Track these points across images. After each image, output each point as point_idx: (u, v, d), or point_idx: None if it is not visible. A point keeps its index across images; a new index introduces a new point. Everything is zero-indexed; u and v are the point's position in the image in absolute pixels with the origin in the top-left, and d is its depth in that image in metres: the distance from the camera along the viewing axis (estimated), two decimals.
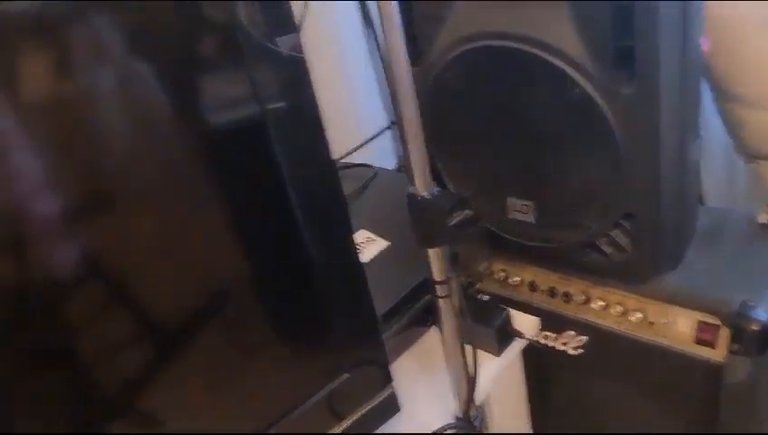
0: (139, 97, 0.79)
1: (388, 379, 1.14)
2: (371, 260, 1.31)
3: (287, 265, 0.99)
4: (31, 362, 0.78)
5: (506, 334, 1.29)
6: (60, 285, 0.77)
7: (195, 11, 0.83)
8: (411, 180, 0.99)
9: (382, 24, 0.89)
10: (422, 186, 0.98)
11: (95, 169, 0.78)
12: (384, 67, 0.93)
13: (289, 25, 0.88)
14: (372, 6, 0.91)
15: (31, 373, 0.78)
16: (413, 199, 0.99)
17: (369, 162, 1.64)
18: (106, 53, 0.76)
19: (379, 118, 1.69)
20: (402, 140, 0.97)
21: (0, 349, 0.75)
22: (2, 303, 0.73)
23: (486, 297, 1.36)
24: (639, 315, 1.26)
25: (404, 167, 1.66)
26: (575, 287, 1.33)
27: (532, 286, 1.39)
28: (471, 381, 1.12)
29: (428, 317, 1.32)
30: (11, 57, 0.70)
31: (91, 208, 0.77)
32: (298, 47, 0.89)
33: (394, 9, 0.88)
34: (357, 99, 1.73)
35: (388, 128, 1.60)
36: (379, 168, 1.62)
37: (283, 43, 0.88)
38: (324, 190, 0.98)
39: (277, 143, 0.91)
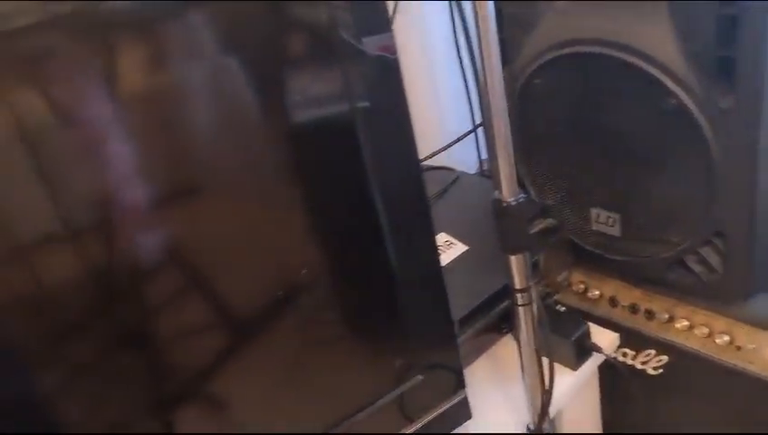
0: (229, 93, 0.81)
1: (461, 384, 1.13)
2: (449, 264, 1.30)
3: (367, 263, 0.99)
4: (112, 341, 0.80)
5: (584, 348, 1.26)
6: (143, 270, 0.79)
7: (289, 10, 0.84)
8: (497, 186, 0.97)
9: (477, 25, 0.88)
10: (508, 192, 0.96)
11: (183, 161, 0.80)
12: (474, 70, 0.92)
13: (383, 25, 0.88)
14: (466, 6, 0.90)
15: (111, 352, 0.80)
16: (498, 205, 0.97)
17: (449, 165, 1.63)
18: (200, 50, 0.78)
19: (462, 120, 1.68)
20: (490, 145, 0.96)
21: (85, 328, 0.78)
22: (89, 284, 0.76)
23: (563, 308, 1.33)
24: (726, 338, 1.21)
25: (487, 171, 1.65)
26: (658, 305, 1.28)
27: (613, 301, 1.35)
28: (546, 394, 1.10)
29: (503, 324, 1.31)
30: (112, 51, 0.73)
31: (176, 198, 0.79)
32: (392, 48, 0.89)
33: (490, 10, 0.87)
34: (441, 100, 1.72)
35: (473, 131, 1.59)
36: (461, 171, 1.60)
37: (376, 43, 0.88)
38: (409, 191, 0.97)
39: (366, 142, 0.91)
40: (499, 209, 0.97)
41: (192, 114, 0.78)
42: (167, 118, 0.76)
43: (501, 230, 0.99)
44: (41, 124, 0.68)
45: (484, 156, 1.66)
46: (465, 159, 1.70)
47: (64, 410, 0.80)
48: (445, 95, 1.71)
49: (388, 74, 0.90)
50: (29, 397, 0.77)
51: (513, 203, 0.97)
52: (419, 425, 1.10)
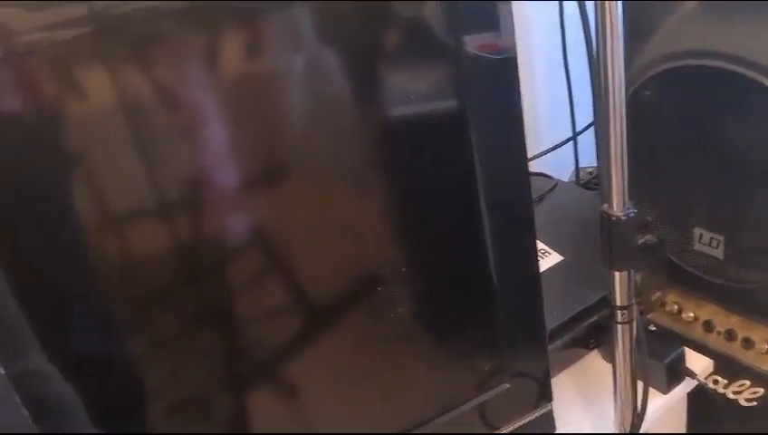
0: (326, 84, 0.80)
1: (548, 396, 1.10)
2: (543, 273, 1.27)
3: (465, 263, 0.97)
4: (193, 316, 0.81)
5: (677, 372, 1.21)
6: (227, 250, 0.80)
7: (393, 4, 0.82)
8: (606, 198, 0.94)
9: (603, 27, 0.85)
10: (618, 205, 0.93)
11: (275, 147, 0.80)
12: (592, 77, 0.89)
13: (491, 22, 0.86)
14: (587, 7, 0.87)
15: (191, 327, 0.82)
16: (606, 218, 0.94)
17: (539, 171, 1.59)
18: (300, 41, 0.78)
19: (556, 126, 1.64)
20: (603, 156, 0.93)
21: (169, 300, 0.79)
22: (176, 259, 0.78)
23: (654, 328, 1.28)
24: None
25: (584, 181, 1.61)
26: (758, 334, 1.22)
27: (708, 325, 1.29)
28: (638, 417, 1.06)
29: (591, 339, 1.27)
30: (216, 38, 0.74)
31: (266, 182, 0.80)
32: (499, 46, 0.87)
33: (618, 11, 0.83)
34: (540, 105, 1.68)
35: (573, 138, 1.55)
36: (558, 179, 1.57)
37: (481, 41, 0.86)
38: (515, 194, 0.95)
39: (474, 142, 0.89)
40: (607, 223, 0.94)
41: (288, 103, 0.79)
42: (263, 104, 0.77)
43: (606, 244, 0.95)
44: (144, 102, 0.70)
45: (581, 164, 1.61)
46: (557, 166, 1.66)
47: (146, 376, 0.81)
48: (546, 100, 1.67)
49: (503, 73, 0.88)
50: (116, 360, 0.79)
51: (623, 217, 0.93)
52: (502, 432, 1.08)
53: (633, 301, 0.99)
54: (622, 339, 1.01)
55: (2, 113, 0.66)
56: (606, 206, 0.94)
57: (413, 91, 0.84)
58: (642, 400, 1.05)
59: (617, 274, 0.97)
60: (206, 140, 0.75)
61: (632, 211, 0.94)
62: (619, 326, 1.00)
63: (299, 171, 0.82)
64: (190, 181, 0.75)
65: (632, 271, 0.97)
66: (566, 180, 1.63)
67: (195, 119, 0.74)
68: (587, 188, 1.60)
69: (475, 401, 1.03)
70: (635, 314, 1.00)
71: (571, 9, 1.13)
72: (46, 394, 0.75)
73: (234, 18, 0.73)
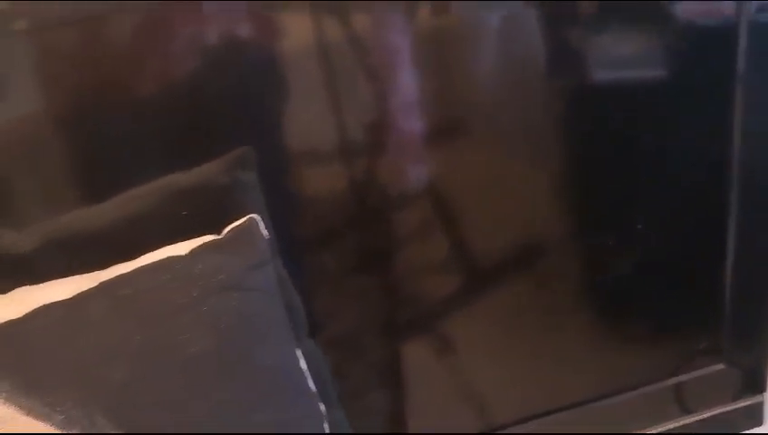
0: (522, 44, 0.78)
1: (760, 386, 0.94)
2: None
3: (701, 238, 0.87)
4: (358, 258, 0.80)
5: None
6: (398, 197, 0.78)
7: None
8: None
9: None
10: None
11: (460, 99, 0.78)
12: None
13: None
14: None
15: (356, 268, 0.80)
16: None
17: None
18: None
19: None
20: None
21: (337, 239, 0.78)
22: (349, 200, 0.76)
23: None
24: None
25: None
26: None
27: None
28: None
29: None
30: None
31: (445, 135, 0.78)
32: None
33: None
34: None
35: None
36: None
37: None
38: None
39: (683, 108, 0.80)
40: None
41: (480, 60, 0.77)
42: (454, 59, 0.76)
43: None
44: (339, 46, 0.70)
45: None
46: None
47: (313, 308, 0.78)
48: None
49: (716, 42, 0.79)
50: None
51: None
52: (694, 419, 0.94)
53: None
54: None
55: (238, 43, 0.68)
56: None
57: (616, 56, 0.78)
58: None
59: None
60: (394, 88, 0.74)
61: None
62: None
63: (481, 129, 0.79)
64: (373, 126, 0.75)
65: None
66: None
67: (386, 65, 0.73)
68: None
69: (680, 379, 0.92)
70: None
71: None
72: None
73: None
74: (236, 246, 0.56)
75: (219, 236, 0.57)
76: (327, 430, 0.60)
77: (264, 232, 0.58)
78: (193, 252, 0.55)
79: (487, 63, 0.77)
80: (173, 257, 0.55)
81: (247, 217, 0.58)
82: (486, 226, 0.82)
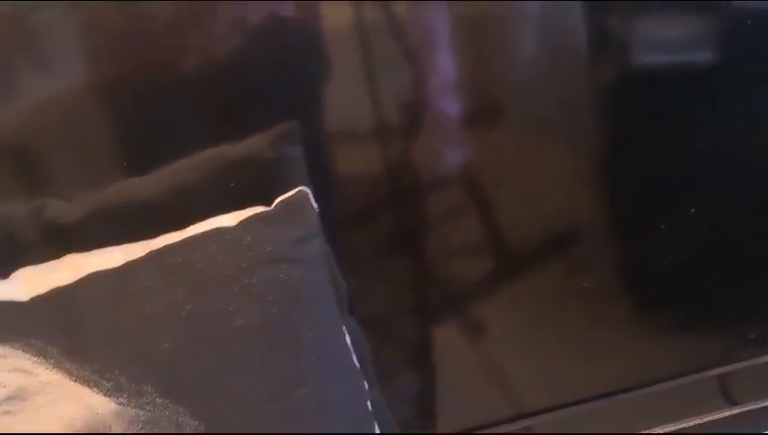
0: (563, 29, 0.76)
1: None
2: None
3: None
4: (390, 238, 0.80)
5: None
6: (431, 179, 0.77)
7: None
8: None
9: None
10: None
11: (498, 82, 0.77)
12: None
13: None
14: None
15: (387, 248, 0.80)
16: None
17: None
18: None
19: None
20: None
21: (370, 219, 0.78)
22: (380, 182, 0.76)
23: None
24: None
25: None
26: None
27: None
28: None
29: None
30: None
31: (483, 117, 0.77)
32: None
33: None
34: None
35: None
36: None
37: None
38: None
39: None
40: None
41: (520, 41, 0.76)
42: (493, 40, 0.75)
43: None
44: (379, 27, 0.69)
45: None
46: None
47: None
48: None
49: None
50: None
51: None
52: (740, 410, 0.92)
53: None
54: None
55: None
56: None
57: (663, 39, 0.76)
58: None
59: None
60: (432, 69, 0.73)
61: None
62: None
63: (519, 112, 0.77)
64: (411, 106, 0.74)
65: None
66: None
67: (425, 46, 0.72)
68: None
69: (726, 369, 0.90)
70: None
71: None
72: None
73: None
74: (286, 218, 0.56)
75: (269, 208, 0.57)
76: (369, 409, 0.59)
77: (314, 205, 0.58)
78: (242, 223, 0.55)
79: (528, 45, 0.76)
80: (222, 228, 0.55)
81: (297, 189, 0.57)
82: (521, 210, 0.81)
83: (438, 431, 0.86)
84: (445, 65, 0.73)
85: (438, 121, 0.75)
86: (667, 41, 0.76)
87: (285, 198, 0.57)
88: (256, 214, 0.56)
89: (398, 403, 0.82)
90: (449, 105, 0.75)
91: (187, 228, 0.56)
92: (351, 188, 0.76)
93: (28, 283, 0.54)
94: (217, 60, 0.67)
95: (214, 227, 0.55)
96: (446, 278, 0.82)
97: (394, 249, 0.80)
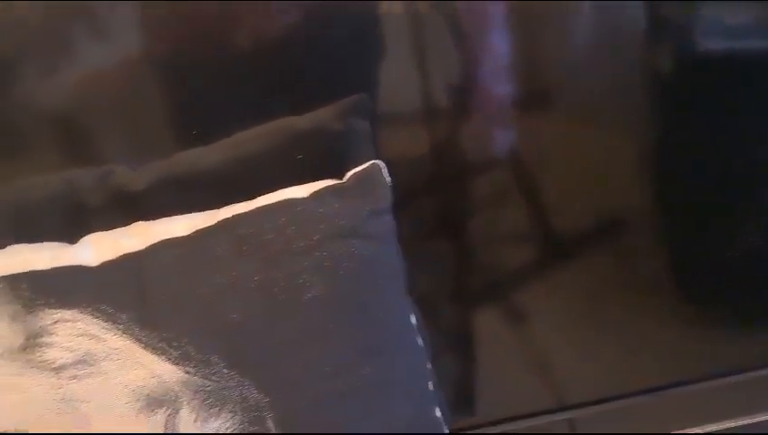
0: (619, 14, 0.74)
1: None
2: None
3: None
4: (431, 222, 0.79)
5: None
6: (478, 162, 0.77)
7: None
8: None
9: None
10: None
11: (551, 65, 0.76)
12: None
13: None
14: None
15: (425, 233, 0.79)
16: None
17: None
18: None
19: None
20: None
21: (408, 206, 0.76)
22: (428, 160, 0.75)
23: None
24: None
25: None
26: None
27: None
28: None
29: None
30: None
31: (534, 100, 0.76)
32: None
33: None
34: None
35: None
36: None
37: None
38: None
39: None
40: None
41: (575, 23, 0.74)
42: (547, 22, 0.73)
43: None
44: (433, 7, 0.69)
45: None
46: None
47: None
48: None
49: None
50: None
51: None
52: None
53: None
54: None
55: None
56: None
57: (725, 26, 0.75)
58: None
59: None
60: (484, 52, 0.73)
61: None
62: None
63: (570, 96, 0.76)
64: (461, 87, 0.73)
65: None
66: None
67: (477, 28, 0.72)
68: None
69: None
70: None
71: None
72: None
73: None
74: (359, 191, 0.55)
75: (342, 181, 0.56)
76: (431, 389, 0.59)
77: (387, 179, 0.57)
78: (314, 195, 0.54)
79: (582, 28, 0.75)
80: (293, 199, 0.54)
81: (371, 162, 0.57)
82: (569, 196, 0.80)
83: (477, 418, 0.85)
84: (497, 47, 0.73)
85: (488, 104, 0.75)
86: (728, 27, 0.75)
87: (359, 171, 0.56)
88: (328, 186, 0.55)
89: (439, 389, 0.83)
90: (500, 87, 0.74)
91: (257, 199, 0.55)
92: (397, 169, 0.76)
93: (97, 248, 0.54)
94: (284, 34, 0.67)
95: (285, 198, 0.54)
96: (490, 263, 0.82)
97: (438, 232, 0.80)
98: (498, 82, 0.74)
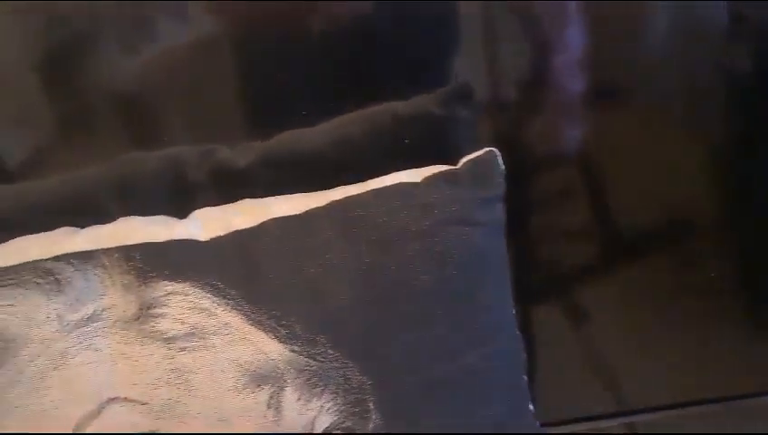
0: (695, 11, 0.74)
1: None
2: None
3: None
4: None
5: None
6: (544, 157, 0.77)
7: None
8: None
9: None
10: None
11: (623, 62, 0.75)
12: None
13: None
14: None
15: None
16: None
17: None
18: None
19: None
20: None
21: None
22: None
23: None
24: None
25: None
26: None
27: None
28: None
29: None
30: None
31: (604, 97, 0.76)
32: None
33: None
34: None
35: None
36: None
37: None
38: None
39: None
40: None
41: (649, 23, 0.74)
42: (621, 18, 0.73)
43: None
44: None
45: None
46: None
47: None
48: None
49: None
50: None
51: None
52: None
53: None
54: None
55: None
56: None
57: None
58: None
59: None
60: (566, 45, 0.73)
61: None
62: None
63: (642, 94, 0.76)
64: (533, 82, 0.74)
65: None
66: None
67: (552, 22, 0.72)
68: None
69: None
70: None
71: None
72: None
73: None
74: (473, 178, 0.54)
75: (456, 167, 0.56)
76: (525, 379, 0.58)
77: (502, 166, 0.57)
78: (427, 180, 0.54)
79: (659, 26, 0.74)
80: (406, 184, 0.54)
81: (486, 149, 0.56)
82: (636, 196, 0.79)
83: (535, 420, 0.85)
84: (571, 43, 0.73)
85: (558, 99, 0.75)
86: None
87: (473, 158, 0.56)
88: (442, 172, 0.55)
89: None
90: (572, 83, 0.74)
91: (368, 182, 0.55)
92: None
93: (206, 223, 0.54)
94: (379, 27, 0.69)
95: (398, 181, 0.54)
96: (553, 261, 0.81)
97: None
98: (572, 78, 0.74)
